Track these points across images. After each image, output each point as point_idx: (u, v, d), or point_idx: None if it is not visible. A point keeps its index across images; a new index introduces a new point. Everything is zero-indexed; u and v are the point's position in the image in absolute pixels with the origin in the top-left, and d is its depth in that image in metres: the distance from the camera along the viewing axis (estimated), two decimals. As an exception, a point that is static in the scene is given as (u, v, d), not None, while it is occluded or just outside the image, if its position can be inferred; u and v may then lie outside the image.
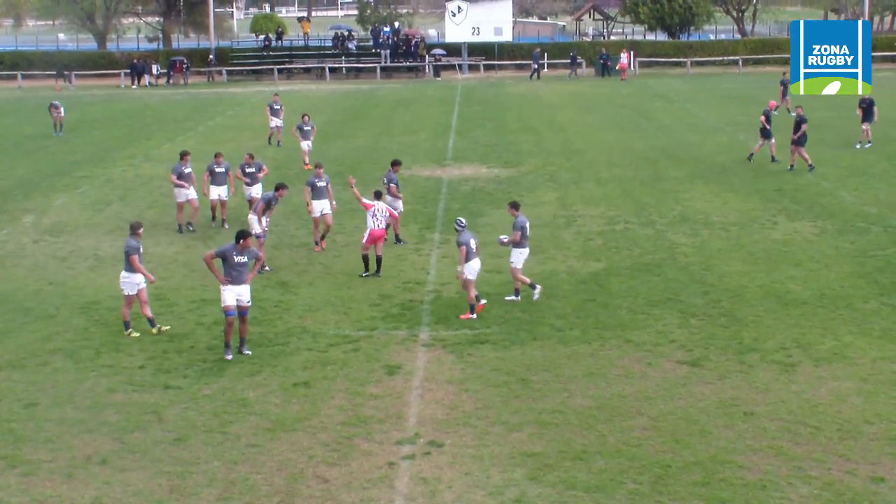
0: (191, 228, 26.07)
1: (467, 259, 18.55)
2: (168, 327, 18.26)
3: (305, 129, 35.53)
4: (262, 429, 14.06)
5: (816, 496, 11.95)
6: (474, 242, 18.86)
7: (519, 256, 19.33)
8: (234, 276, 16.74)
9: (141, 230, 18.54)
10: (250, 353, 16.88)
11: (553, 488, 12.24)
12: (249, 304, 17.06)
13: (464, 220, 19.29)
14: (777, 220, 25.78)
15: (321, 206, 23.52)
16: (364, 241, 21.40)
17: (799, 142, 32.28)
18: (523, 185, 31.50)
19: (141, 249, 18.25)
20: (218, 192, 26.30)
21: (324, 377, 15.90)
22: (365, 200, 21.71)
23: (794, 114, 33.55)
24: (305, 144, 35.48)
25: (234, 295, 16.72)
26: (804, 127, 32.08)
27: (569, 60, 73.34)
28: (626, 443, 13.40)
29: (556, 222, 26.17)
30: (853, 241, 23.61)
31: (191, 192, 26.00)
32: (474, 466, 12.83)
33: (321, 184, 23.60)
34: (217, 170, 26.25)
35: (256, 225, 21.81)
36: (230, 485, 12.51)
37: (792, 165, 32.45)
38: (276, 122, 40.29)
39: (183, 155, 26.54)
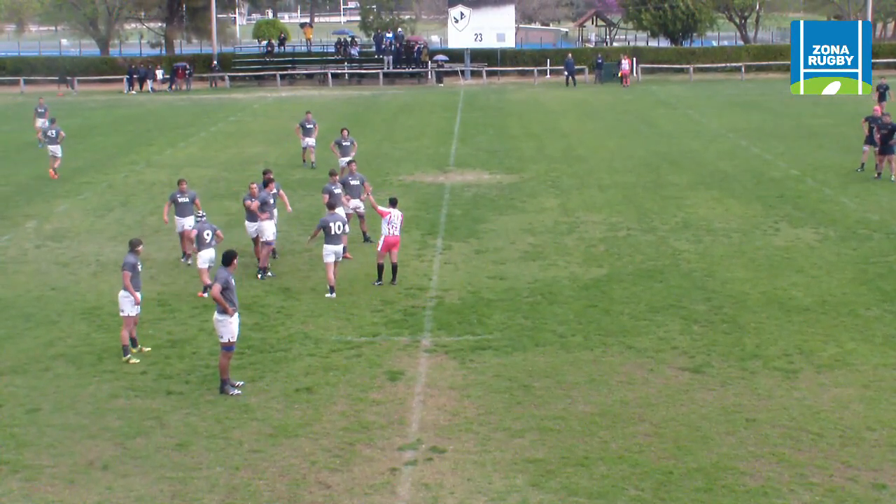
0: (270, 275, 22.01)
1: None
2: (149, 349, 17.43)
3: (344, 144, 31.66)
4: (264, 434, 14.06)
5: (818, 503, 11.95)
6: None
7: (325, 251, 20.59)
8: (234, 301, 15.57)
9: (140, 247, 17.57)
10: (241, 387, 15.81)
11: (555, 494, 12.23)
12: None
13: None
14: (779, 227, 25.78)
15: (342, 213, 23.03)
16: (379, 248, 21.31)
17: (887, 150, 31.40)
18: (525, 191, 31.49)
19: (139, 267, 17.22)
20: (183, 224, 23.12)
21: (326, 383, 15.90)
22: (381, 208, 21.68)
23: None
24: (344, 161, 30.44)
25: (237, 324, 15.66)
26: None
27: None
28: (629, 449, 13.39)
29: (559, 228, 26.17)
30: (855, 247, 23.60)
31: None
32: (476, 472, 12.83)
33: (338, 190, 23.22)
34: (181, 199, 23.10)
35: (269, 231, 22.02)
36: (232, 490, 12.51)
37: (879, 174, 31.77)
38: (307, 141, 36.61)
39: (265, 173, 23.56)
